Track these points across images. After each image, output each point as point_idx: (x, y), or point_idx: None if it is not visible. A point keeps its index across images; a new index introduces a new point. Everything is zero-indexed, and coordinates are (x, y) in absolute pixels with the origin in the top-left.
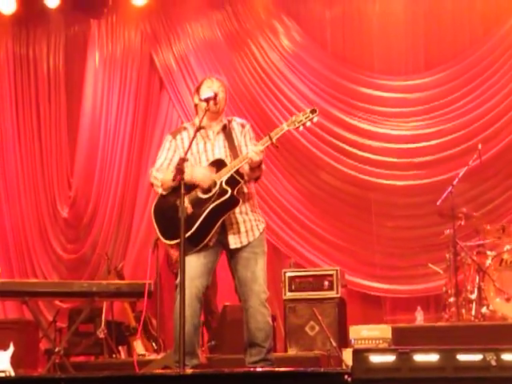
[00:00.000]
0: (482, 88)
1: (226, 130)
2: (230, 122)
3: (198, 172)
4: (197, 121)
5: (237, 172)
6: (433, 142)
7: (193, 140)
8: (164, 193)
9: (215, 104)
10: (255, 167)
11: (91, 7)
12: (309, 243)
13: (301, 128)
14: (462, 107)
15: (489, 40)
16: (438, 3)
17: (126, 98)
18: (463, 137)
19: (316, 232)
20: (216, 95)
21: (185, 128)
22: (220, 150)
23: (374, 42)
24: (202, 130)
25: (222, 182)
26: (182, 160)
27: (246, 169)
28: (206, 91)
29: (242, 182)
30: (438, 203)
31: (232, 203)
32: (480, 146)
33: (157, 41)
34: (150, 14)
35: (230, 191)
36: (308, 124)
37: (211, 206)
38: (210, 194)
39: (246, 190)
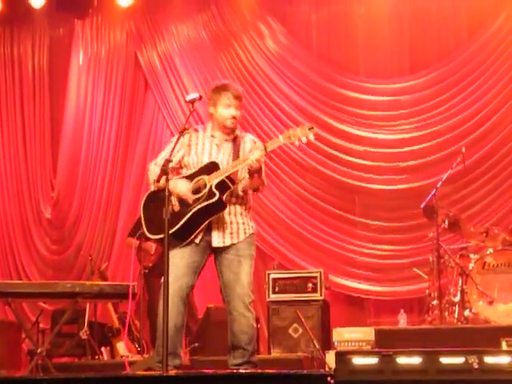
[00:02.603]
0: (467, 91)
1: (236, 141)
2: (243, 136)
3: (181, 186)
4: (209, 127)
5: (229, 178)
6: (417, 147)
7: (175, 146)
8: (154, 189)
9: (232, 123)
10: (253, 173)
11: (76, 7)
12: (293, 245)
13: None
14: (446, 111)
15: (473, 43)
16: (423, 6)
17: (112, 97)
18: (448, 141)
19: (300, 234)
20: (201, 97)
21: (196, 130)
22: (224, 157)
23: (359, 44)
24: (211, 138)
25: (211, 185)
26: (167, 161)
27: (246, 178)
28: (224, 108)
29: (233, 188)
30: (421, 206)
31: (218, 207)
32: (464, 150)
33: (142, 41)
34: (134, 14)
35: (217, 195)
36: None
37: (197, 207)
38: (199, 195)
39: (240, 194)
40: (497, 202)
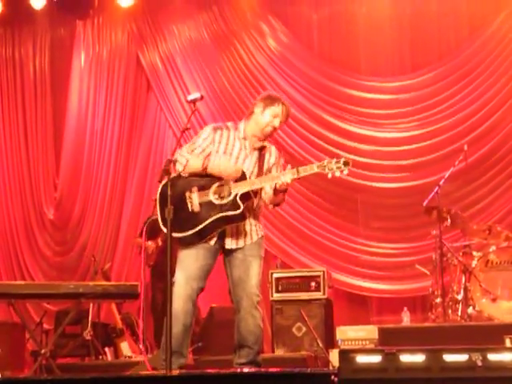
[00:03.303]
0: (468, 89)
1: (263, 152)
2: (269, 147)
3: (223, 162)
4: (242, 127)
5: (253, 190)
6: (419, 145)
7: (178, 143)
8: (183, 174)
9: (270, 132)
10: (279, 192)
11: (77, 8)
12: (296, 243)
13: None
14: (448, 108)
15: (474, 42)
16: (424, 5)
17: (114, 98)
18: (450, 139)
19: (303, 232)
20: (202, 97)
21: (227, 127)
22: (250, 165)
23: (360, 43)
24: (243, 140)
25: (237, 195)
26: (169, 161)
27: (268, 192)
28: (271, 115)
29: (254, 200)
30: (424, 204)
31: (239, 218)
32: (466, 147)
33: (143, 41)
34: (135, 14)
35: (241, 208)
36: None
37: (219, 215)
38: (222, 202)
39: (257, 203)
40: (499, 200)
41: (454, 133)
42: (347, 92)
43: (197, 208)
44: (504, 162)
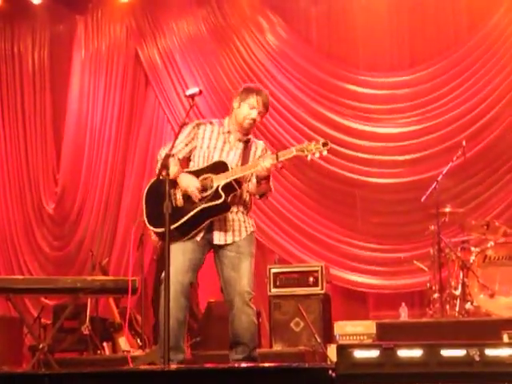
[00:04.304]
0: (467, 84)
1: (248, 144)
2: (255, 142)
3: (190, 181)
4: (226, 122)
5: (236, 180)
6: (418, 140)
7: (176, 139)
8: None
9: (250, 124)
10: (261, 180)
11: (76, 2)
12: (293, 239)
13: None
14: (446, 104)
15: (473, 36)
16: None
17: (112, 93)
18: (448, 134)
19: (301, 227)
20: (201, 91)
21: (211, 123)
22: (234, 158)
23: (359, 38)
24: (227, 134)
25: (218, 186)
26: (167, 156)
27: (253, 182)
28: (248, 107)
29: (239, 191)
30: (422, 200)
31: (222, 209)
32: (464, 143)
33: (142, 36)
34: (134, 9)
35: (223, 197)
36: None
37: (202, 206)
38: (204, 194)
39: (244, 196)
40: (498, 195)
41: (453, 128)
42: (346, 87)
43: (180, 202)
44: (502, 157)
